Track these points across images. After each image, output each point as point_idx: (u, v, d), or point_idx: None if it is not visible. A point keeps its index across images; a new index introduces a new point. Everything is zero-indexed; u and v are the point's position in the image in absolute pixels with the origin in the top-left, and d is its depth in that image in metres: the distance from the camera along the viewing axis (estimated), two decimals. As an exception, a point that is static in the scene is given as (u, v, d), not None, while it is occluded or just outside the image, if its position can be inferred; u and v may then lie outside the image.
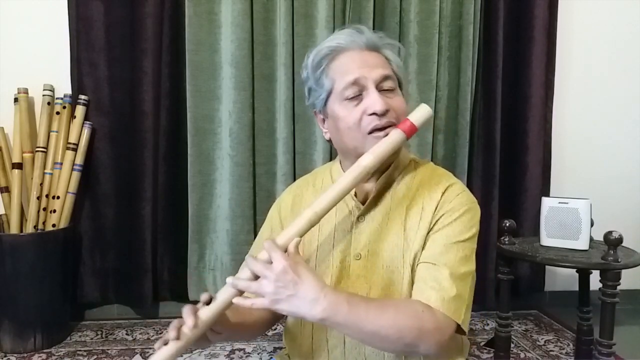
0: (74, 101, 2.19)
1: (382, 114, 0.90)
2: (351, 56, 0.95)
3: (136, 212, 2.25)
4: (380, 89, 0.93)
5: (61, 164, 2.15)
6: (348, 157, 0.99)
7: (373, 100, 0.90)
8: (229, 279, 0.83)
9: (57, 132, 2.15)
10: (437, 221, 0.93)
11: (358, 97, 0.93)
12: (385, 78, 0.93)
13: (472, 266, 0.93)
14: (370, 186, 0.99)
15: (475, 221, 0.96)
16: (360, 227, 0.98)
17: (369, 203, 0.98)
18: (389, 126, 0.91)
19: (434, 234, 0.92)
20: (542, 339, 2.21)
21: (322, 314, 0.79)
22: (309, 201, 1.03)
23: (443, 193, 0.95)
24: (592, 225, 1.79)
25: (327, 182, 1.05)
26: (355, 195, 1.00)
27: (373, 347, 0.90)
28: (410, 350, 0.86)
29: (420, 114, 0.90)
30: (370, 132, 0.91)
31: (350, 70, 0.93)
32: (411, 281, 0.93)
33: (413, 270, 0.93)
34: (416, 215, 0.95)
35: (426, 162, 1.05)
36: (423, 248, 0.92)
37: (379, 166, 0.91)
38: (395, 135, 0.89)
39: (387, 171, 0.99)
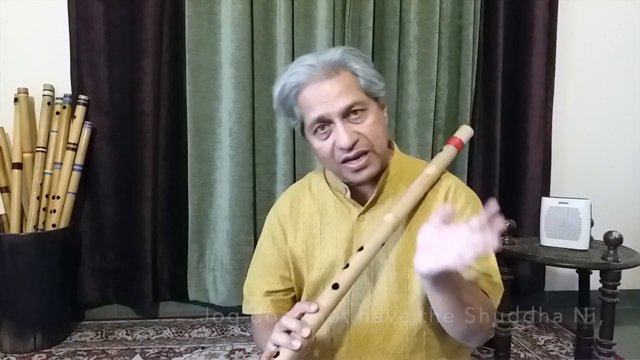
0: (74, 101, 2.19)
1: (350, 148, 0.92)
2: (312, 90, 0.93)
3: (136, 212, 2.25)
4: (347, 116, 0.92)
5: (61, 164, 2.14)
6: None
7: (339, 136, 0.91)
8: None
9: (57, 132, 2.15)
10: None
11: (327, 130, 0.94)
12: (349, 108, 0.92)
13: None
14: (367, 187, 1.00)
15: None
16: (361, 226, 0.99)
17: (369, 203, 0.98)
18: (361, 155, 0.93)
19: None
20: (542, 339, 2.21)
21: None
22: (308, 205, 1.05)
23: (447, 193, 0.98)
24: (592, 225, 1.79)
25: (322, 186, 1.06)
26: (351, 197, 1.00)
27: (454, 321, 0.87)
28: (472, 334, 0.90)
29: (465, 131, 1.10)
30: (343, 162, 0.94)
31: (313, 107, 0.93)
32: (416, 280, 0.94)
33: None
34: (422, 215, 0.97)
35: (421, 162, 1.07)
36: None
37: (380, 169, 0.96)
38: (449, 149, 1.05)
39: (385, 171, 1.00)
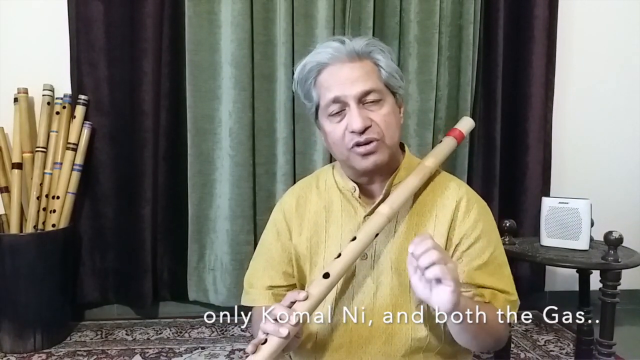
0: (73, 101, 2.19)
1: (362, 132, 0.91)
2: (333, 71, 0.94)
3: (136, 212, 2.24)
4: (363, 102, 0.93)
5: (61, 164, 2.14)
6: (343, 164, 1.01)
7: (352, 119, 0.92)
8: None
9: (57, 132, 2.15)
10: (460, 241, 0.96)
11: (341, 112, 0.94)
12: (367, 93, 0.92)
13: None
14: (377, 187, 1.00)
15: (493, 227, 1.00)
16: None
17: (377, 204, 0.97)
18: (371, 142, 0.92)
19: (465, 256, 0.96)
20: (542, 339, 2.20)
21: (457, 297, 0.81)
22: (314, 202, 1.04)
23: (458, 203, 0.97)
24: (592, 225, 1.79)
25: (330, 184, 1.05)
26: (360, 197, 1.00)
27: (475, 342, 0.94)
28: (490, 348, 0.98)
29: (465, 123, 1.08)
30: (352, 147, 0.93)
31: (331, 87, 0.93)
32: None
33: None
34: (429, 221, 0.97)
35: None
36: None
37: (386, 167, 0.96)
38: (449, 141, 1.03)
39: (395, 172, 0.99)
